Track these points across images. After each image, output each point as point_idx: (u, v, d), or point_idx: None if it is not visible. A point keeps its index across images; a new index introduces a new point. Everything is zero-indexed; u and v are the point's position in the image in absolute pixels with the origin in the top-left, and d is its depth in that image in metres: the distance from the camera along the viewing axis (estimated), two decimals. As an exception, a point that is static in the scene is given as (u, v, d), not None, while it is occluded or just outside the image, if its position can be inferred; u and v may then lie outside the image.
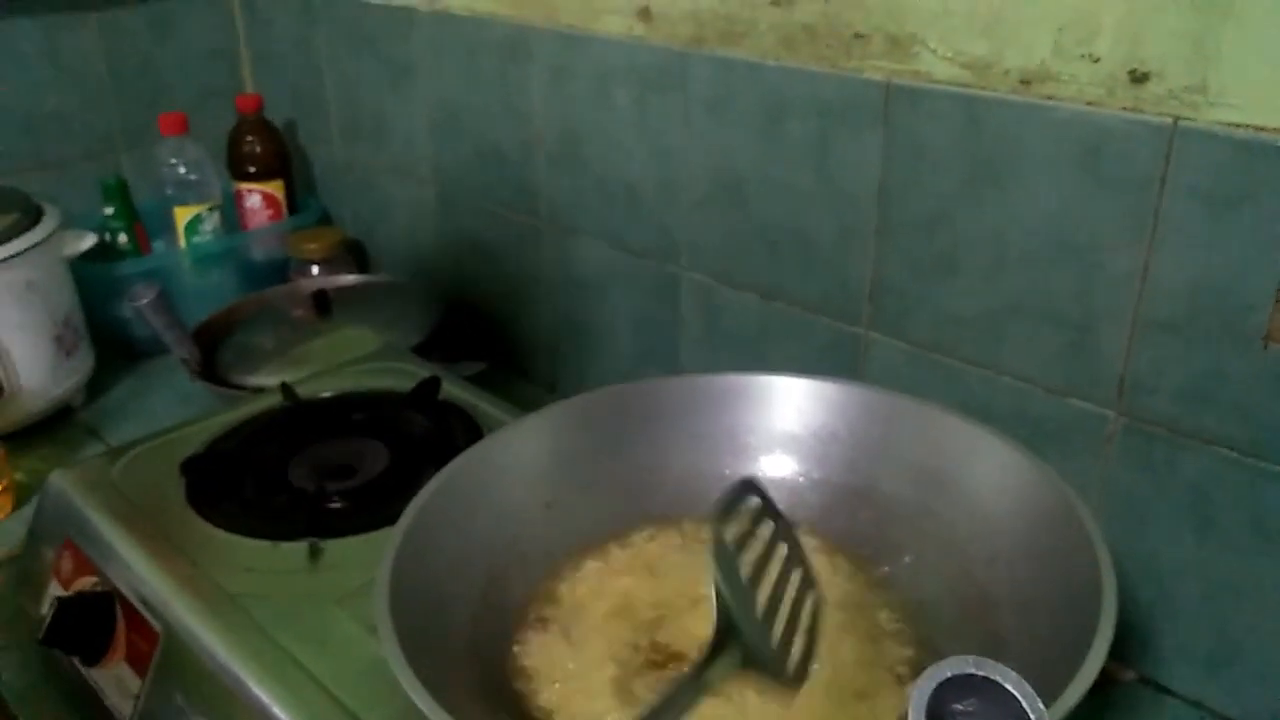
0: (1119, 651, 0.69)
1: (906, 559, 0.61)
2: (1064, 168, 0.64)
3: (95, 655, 0.67)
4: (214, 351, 1.03)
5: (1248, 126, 0.57)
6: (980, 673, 0.37)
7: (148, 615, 0.65)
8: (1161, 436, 0.64)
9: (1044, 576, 0.53)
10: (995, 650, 0.49)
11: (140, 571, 0.67)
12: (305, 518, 0.69)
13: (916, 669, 0.54)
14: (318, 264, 1.16)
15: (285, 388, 0.85)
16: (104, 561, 0.70)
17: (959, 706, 0.38)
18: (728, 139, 0.82)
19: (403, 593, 0.52)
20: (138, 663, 0.65)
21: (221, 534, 0.71)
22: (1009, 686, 0.37)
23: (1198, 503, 0.64)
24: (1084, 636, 0.46)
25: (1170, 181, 0.60)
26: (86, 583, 0.70)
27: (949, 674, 0.37)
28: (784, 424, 0.67)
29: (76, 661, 0.68)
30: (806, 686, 0.50)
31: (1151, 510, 0.66)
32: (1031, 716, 0.36)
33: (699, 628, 0.58)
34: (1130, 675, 0.69)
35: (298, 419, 0.83)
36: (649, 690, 0.54)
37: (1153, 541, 0.66)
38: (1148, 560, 0.67)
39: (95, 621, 0.67)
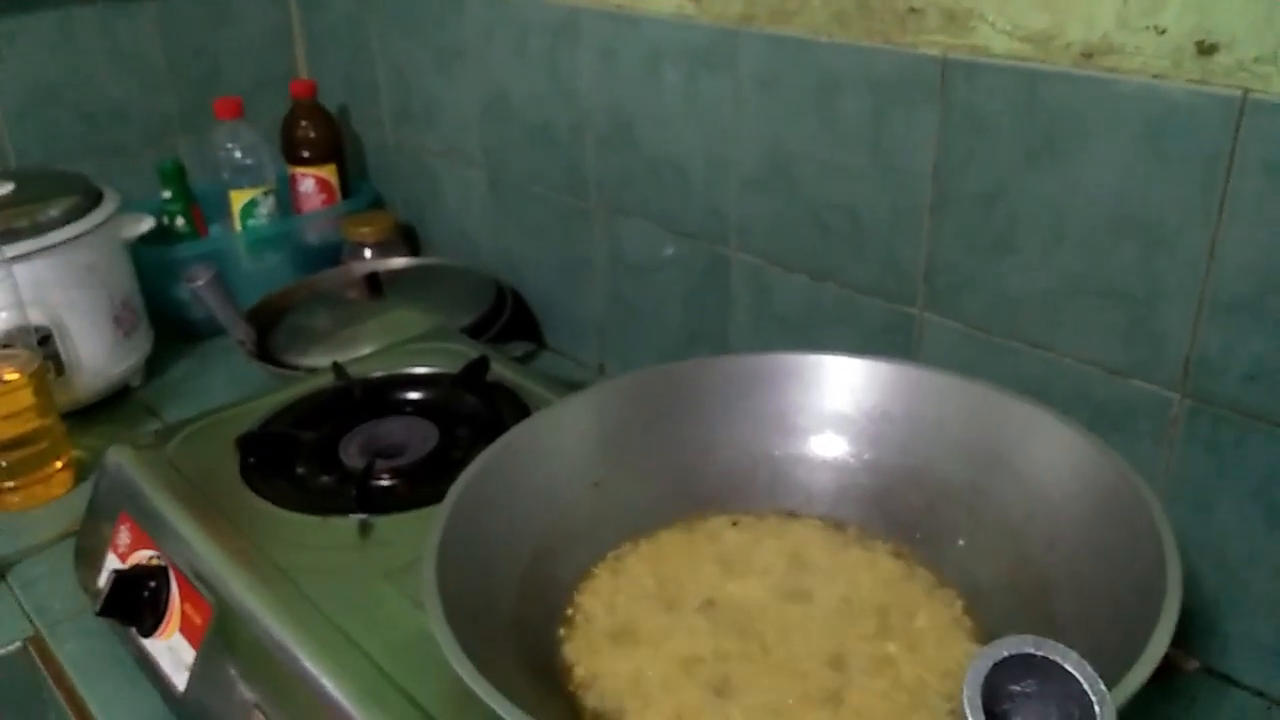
0: (1182, 640, 0.67)
1: (960, 542, 0.60)
2: (1127, 143, 0.62)
3: (151, 627, 0.68)
4: (268, 333, 1.05)
5: (1322, 97, 0.54)
6: (1040, 653, 0.36)
7: (201, 588, 0.66)
8: (1229, 419, 0.62)
9: (1105, 561, 0.51)
10: (1053, 636, 0.48)
11: (194, 545, 0.68)
12: (355, 494, 0.70)
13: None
14: (370, 247, 1.17)
15: (336, 367, 0.86)
16: (159, 536, 0.71)
17: (1016, 688, 0.37)
18: (779, 118, 0.80)
19: (449, 568, 0.52)
20: (191, 634, 0.65)
21: (274, 510, 0.71)
22: (1069, 667, 0.36)
23: (1267, 488, 0.61)
24: (1146, 624, 0.45)
25: (1239, 156, 0.58)
26: (143, 556, 0.71)
27: (1006, 653, 0.36)
28: (835, 404, 0.66)
29: (134, 632, 0.69)
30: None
31: (1218, 496, 0.64)
32: (1093, 698, 0.35)
33: (751, 595, 0.57)
34: (1194, 664, 0.67)
35: (349, 398, 0.83)
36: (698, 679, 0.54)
37: (1219, 528, 0.64)
38: (1214, 547, 0.65)
39: (151, 594, 0.68)
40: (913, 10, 0.70)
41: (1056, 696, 0.36)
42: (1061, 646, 0.36)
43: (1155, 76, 0.60)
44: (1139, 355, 0.65)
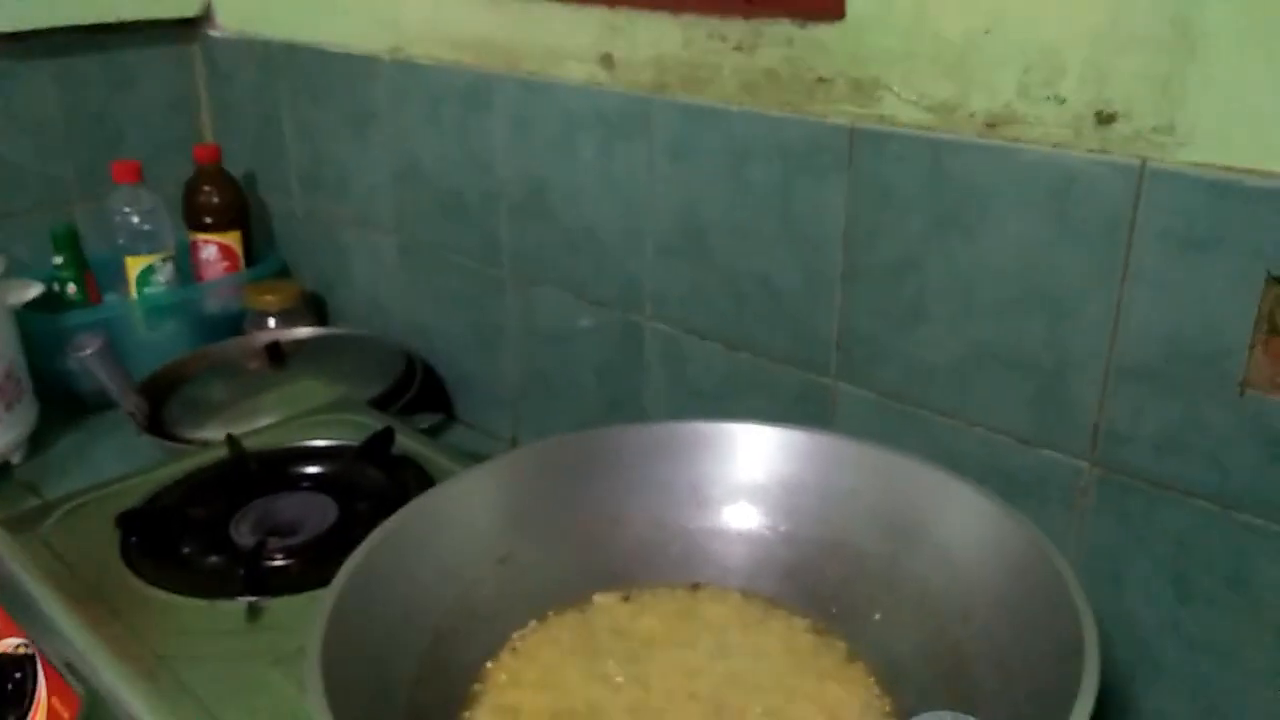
0: (1099, 714, 0.66)
1: (877, 615, 0.58)
2: (1032, 211, 0.63)
3: (14, 722, 0.63)
4: (162, 405, 1.00)
5: (1217, 166, 0.56)
6: (955, 732, 0.34)
7: (70, 679, 0.61)
8: (1137, 488, 0.62)
9: (1022, 632, 0.50)
10: (972, 711, 0.46)
11: (65, 632, 0.63)
12: (243, 575, 0.66)
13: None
14: (274, 316, 1.13)
15: (231, 440, 0.81)
16: (28, 622, 0.65)
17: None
18: (692, 186, 0.80)
19: (338, 654, 0.48)
20: (57, 732, 0.60)
21: (156, 593, 0.67)
22: (986, 748, 0.34)
23: (1177, 557, 0.61)
24: (1065, 697, 0.44)
25: (1140, 224, 0.58)
26: (10, 643, 0.66)
27: (921, 735, 0.34)
28: (749, 474, 0.64)
29: (-5, 729, 0.64)
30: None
31: (1130, 565, 0.63)
32: None
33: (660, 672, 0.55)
34: (1111, 739, 0.66)
35: (243, 473, 0.79)
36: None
37: (1131, 599, 0.64)
38: (1127, 618, 0.64)
39: (15, 685, 0.63)
40: (821, 80, 0.71)
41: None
42: (979, 725, 0.34)
43: (1056, 145, 0.61)
44: (1048, 424, 0.65)
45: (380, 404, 0.95)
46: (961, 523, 0.57)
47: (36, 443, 1.01)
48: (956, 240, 0.66)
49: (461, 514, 0.61)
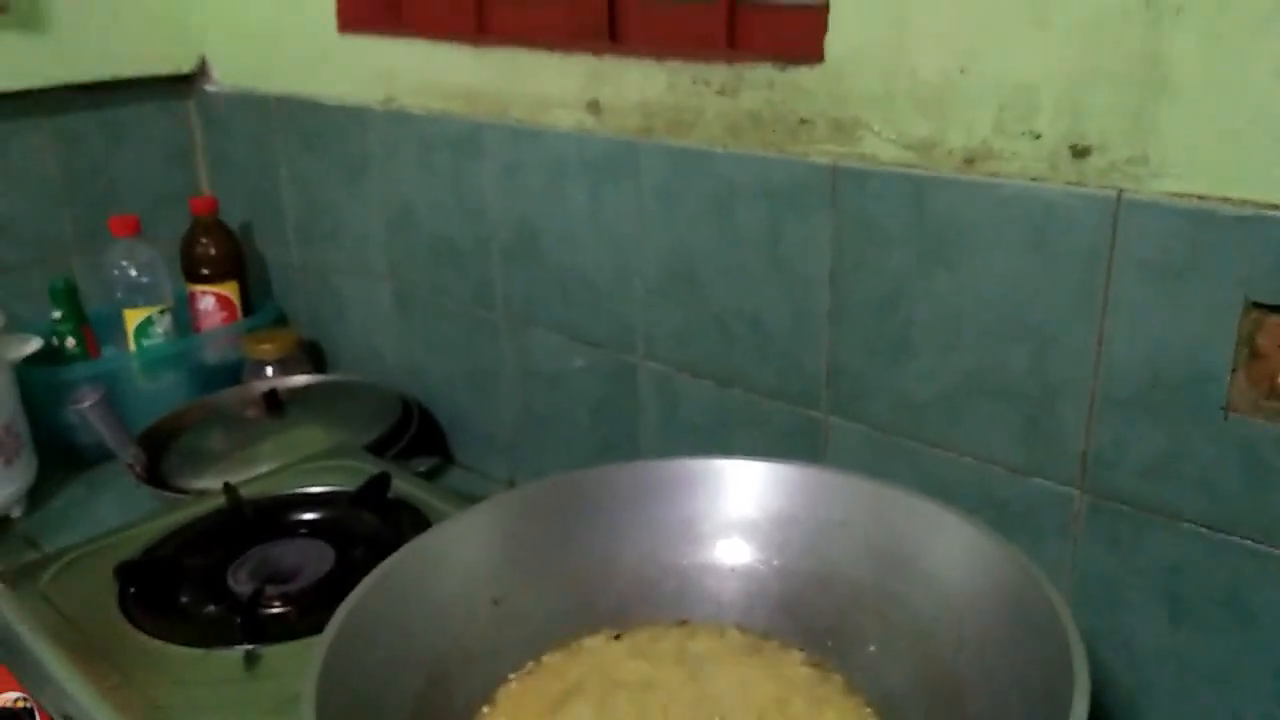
0: (1099, 742, 0.66)
1: (871, 648, 0.58)
2: (1012, 244, 0.63)
3: (12, 778, 0.63)
4: (161, 456, 1.00)
5: (1191, 196, 0.57)
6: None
7: (68, 733, 0.61)
8: (1127, 514, 0.62)
9: (1014, 661, 0.50)
10: (966, 742, 0.47)
11: (63, 685, 0.63)
12: (241, 623, 0.66)
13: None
14: (272, 365, 1.14)
15: (228, 488, 0.82)
16: (26, 676, 0.66)
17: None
18: (680, 227, 0.81)
19: (333, 700, 0.48)
20: (56, 785, 0.60)
21: (154, 643, 0.67)
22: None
23: (1169, 582, 0.62)
24: (1057, 722, 0.44)
25: (1118, 254, 0.59)
26: (8, 698, 0.66)
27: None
28: (741, 510, 0.65)
29: (-8, 786, 0.64)
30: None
31: (1123, 592, 0.64)
32: None
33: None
34: (1112, 768, 0.66)
35: (240, 521, 0.80)
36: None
37: (1127, 625, 0.64)
38: (1122, 645, 0.64)
39: (13, 741, 0.63)
40: (803, 121, 0.72)
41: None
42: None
43: (1034, 180, 0.62)
44: (1037, 453, 0.65)
45: (377, 449, 0.95)
46: (951, 553, 0.57)
47: (36, 496, 1.02)
48: (940, 274, 0.67)
49: (455, 556, 0.62)
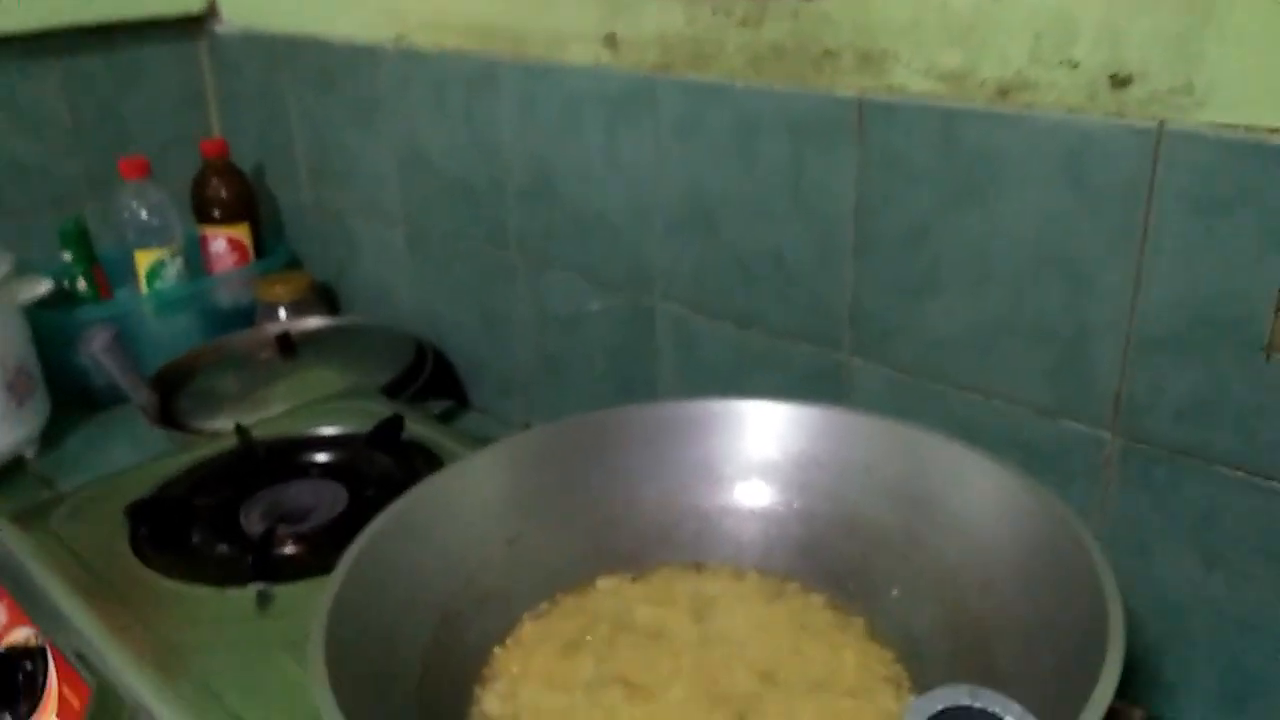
0: (1125, 688, 0.64)
1: (894, 592, 0.57)
2: (1046, 178, 0.61)
3: (26, 712, 0.62)
4: (173, 397, 0.99)
5: (1237, 126, 0.54)
6: (977, 704, 0.33)
7: (80, 669, 0.60)
8: (1162, 458, 0.60)
9: (1044, 605, 0.49)
10: (993, 687, 0.45)
11: (75, 623, 0.63)
12: (253, 562, 0.65)
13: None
14: (285, 308, 1.12)
15: (240, 429, 0.81)
16: (38, 614, 0.65)
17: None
18: (699, 164, 0.79)
19: (343, 637, 0.47)
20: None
21: (165, 582, 0.66)
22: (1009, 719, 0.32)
23: (1204, 528, 0.60)
24: (1089, 671, 0.42)
25: (1158, 187, 0.57)
26: (20, 635, 0.66)
27: (940, 707, 0.32)
28: (761, 451, 0.63)
29: (7, 718, 0.63)
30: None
31: (1156, 537, 0.62)
32: None
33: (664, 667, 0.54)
34: (1139, 714, 0.65)
35: (252, 462, 0.79)
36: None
37: (1158, 570, 0.62)
38: (1153, 591, 0.63)
39: (27, 677, 0.63)
40: (828, 53, 0.70)
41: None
42: (1002, 698, 0.33)
43: (1071, 110, 0.59)
44: (1068, 395, 0.63)
45: (391, 391, 0.94)
46: (980, 495, 0.55)
47: (50, 438, 1.01)
48: (970, 210, 0.65)
49: (470, 496, 0.60)
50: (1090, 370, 0.62)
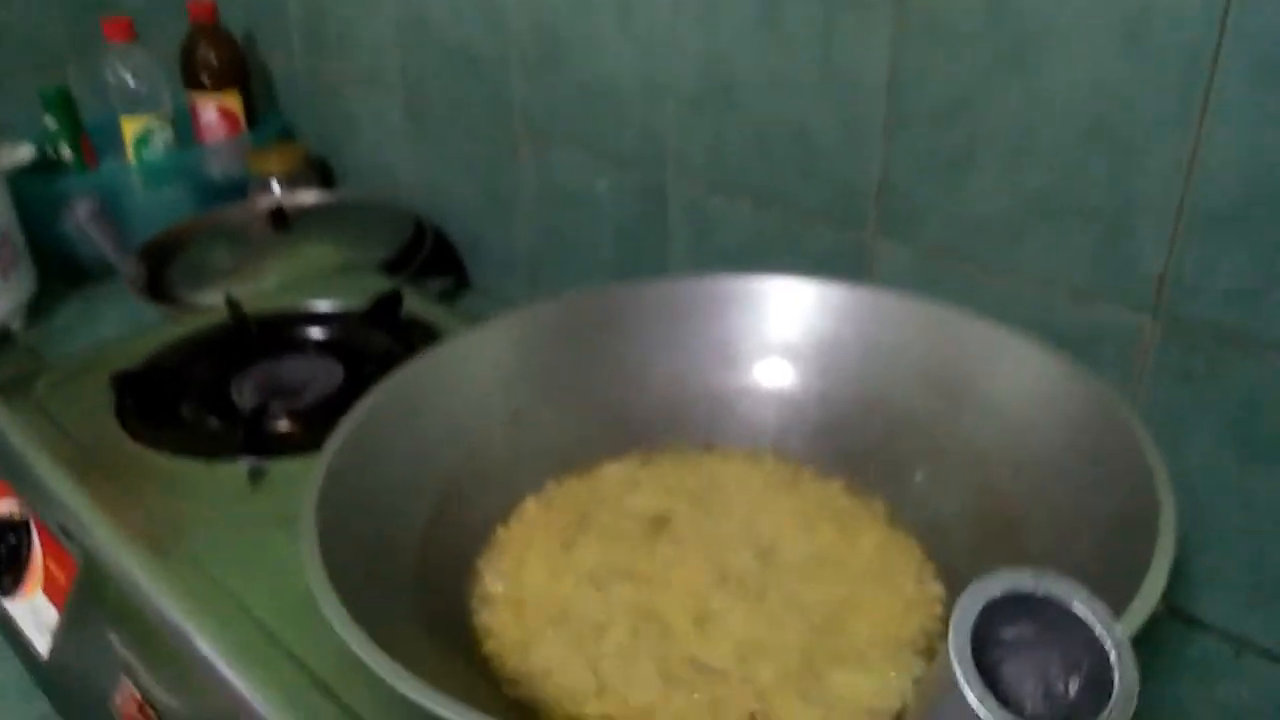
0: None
1: (919, 476, 0.54)
2: (1102, 42, 0.56)
3: (10, 585, 0.60)
4: (163, 270, 0.96)
5: (1317, -16, 0.49)
6: (1040, 591, 0.29)
7: (65, 542, 0.58)
8: (1204, 344, 0.57)
9: (1080, 489, 0.46)
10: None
11: (59, 495, 0.60)
12: (244, 436, 0.62)
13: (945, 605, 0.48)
14: (278, 181, 1.08)
15: (231, 302, 0.77)
16: (21, 486, 0.63)
17: (1005, 636, 0.30)
18: (719, 31, 0.74)
19: (337, 516, 0.45)
20: (55, 593, 0.58)
21: (152, 455, 0.64)
22: (1077, 605, 0.29)
23: (1244, 419, 0.57)
24: (1131, 558, 0.40)
25: (1225, 50, 0.52)
26: (3, 508, 0.63)
27: (1000, 590, 0.29)
28: (781, 331, 0.60)
29: (-8, 593, 0.62)
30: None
31: (1190, 427, 0.59)
32: (1106, 644, 0.29)
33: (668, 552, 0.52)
34: (1160, 606, 0.63)
35: (244, 336, 0.75)
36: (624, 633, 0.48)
37: (1190, 461, 0.59)
38: (1184, 481, 0.59)
39: (10, 550, 0.60)
40: (866, -99, 0.64)
41: (1058, 644, 0.30)
42: (1067, 581, 0.29)
43: (1134, -35, 0.54)
44: (1107, 277, 0.60)
45: (389, 269, 0.91)
46: (1017, 377, 0.52)
47: (38, 310, 0.98)
48: (1014, 79, 0.60)
49: (472, 370, 0.57)
50: (1134, 250, 0.58)
